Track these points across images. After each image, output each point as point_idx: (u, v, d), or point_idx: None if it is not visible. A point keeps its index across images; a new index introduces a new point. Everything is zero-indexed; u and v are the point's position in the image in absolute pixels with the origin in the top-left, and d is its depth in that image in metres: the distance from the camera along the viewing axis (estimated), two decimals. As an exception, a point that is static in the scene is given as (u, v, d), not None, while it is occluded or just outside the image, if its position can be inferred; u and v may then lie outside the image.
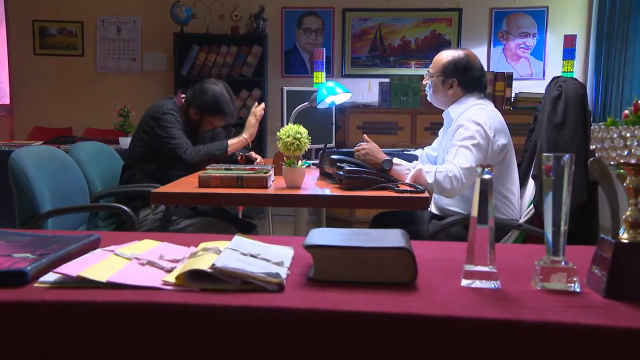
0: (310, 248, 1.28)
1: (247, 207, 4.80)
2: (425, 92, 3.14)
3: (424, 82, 3.13)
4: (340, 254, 1.27)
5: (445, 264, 1.46)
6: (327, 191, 2.65)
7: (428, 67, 3.11)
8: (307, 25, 6.71)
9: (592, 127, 1.25)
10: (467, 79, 2.99)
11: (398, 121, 5.78)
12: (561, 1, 6.52)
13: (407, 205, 2.76)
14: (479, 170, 1.27)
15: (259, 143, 6.47)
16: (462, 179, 2.72)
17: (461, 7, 6.58)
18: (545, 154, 1.25)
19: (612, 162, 1.21)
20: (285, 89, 3.66)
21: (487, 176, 1.27)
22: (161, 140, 3.36)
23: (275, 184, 2.76)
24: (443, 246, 1.83)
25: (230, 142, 3.46)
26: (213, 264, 1.21)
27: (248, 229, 3.62)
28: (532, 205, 2.84)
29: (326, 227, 3.75)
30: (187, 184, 2.78)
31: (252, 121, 3.55)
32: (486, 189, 1.27)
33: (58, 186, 2.79)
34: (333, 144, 4.37)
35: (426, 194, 2.53)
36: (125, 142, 5.09)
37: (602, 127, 1.22)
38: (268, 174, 2.70)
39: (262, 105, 3.61)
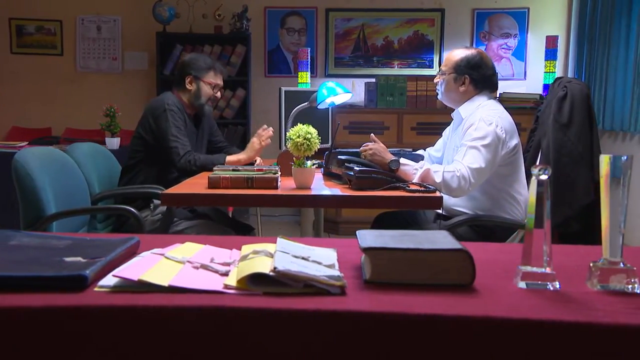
0: (370, 250, 1.26)
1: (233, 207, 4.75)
2: (437, 90, 3.13)
3: (435, 81, 3.13)
4: (400, 256, 1.25)
5: (489, 265, 1.45)
6: (338, 191, 2.63)
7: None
8: (290, 25, 6.68)
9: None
10: (479, 76, 2.98)
11: (384, 121, 5.78)
12: (542, 2, 6.61)
13: (421, 205, 2.76)
14: (536, 170, 1.27)
15: (244, 143, 6.42)
16: (470, 179, 2.72)
17: (444, 8, 6.61)
18: (602, 155, 1.26)
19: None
20: (284, 89, 3.63)
21: (544, 177, 1.27)
22: (160, 139, 3.30)
23: (283, 185, 2.72)
24: (469, 246, 1.82)
25: (229, 159, 3.35)
26: (275, 267, 1.19)
27: (245, 230, 3.59)
28: (537, 205, 2.85)
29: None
30: (196, 185, 2.74)
31: (255, 145, 3.40)
32: (543, 190, 1.27)
33: (61, 188, 2.73)
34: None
35: (438, 194, 2.53)
36: (112, 142, 5.02)
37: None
38: (277, 175, 2.68)
39: (271, 129, 3.43)
